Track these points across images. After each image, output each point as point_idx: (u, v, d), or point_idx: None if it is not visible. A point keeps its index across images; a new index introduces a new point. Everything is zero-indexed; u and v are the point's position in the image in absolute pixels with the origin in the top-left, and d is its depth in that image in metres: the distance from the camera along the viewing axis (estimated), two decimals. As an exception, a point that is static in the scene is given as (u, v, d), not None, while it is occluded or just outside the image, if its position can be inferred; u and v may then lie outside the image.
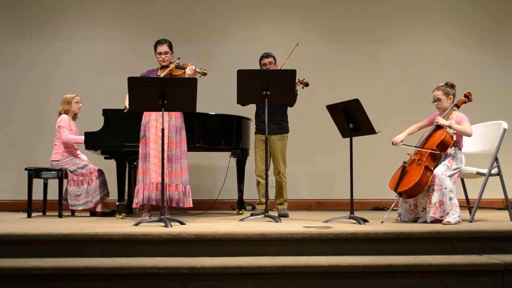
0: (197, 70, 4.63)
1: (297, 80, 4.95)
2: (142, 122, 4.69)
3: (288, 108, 5.38)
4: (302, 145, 6.63)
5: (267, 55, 5.32)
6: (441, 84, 4.60)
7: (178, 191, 4.56)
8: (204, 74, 4.66)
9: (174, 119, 4.65)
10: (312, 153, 6.78)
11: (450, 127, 4.36)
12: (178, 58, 4.76)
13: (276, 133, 5.26)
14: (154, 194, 4.49)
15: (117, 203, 4.93)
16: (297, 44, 5.14)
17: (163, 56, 4.74)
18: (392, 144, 4.57)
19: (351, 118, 4.47)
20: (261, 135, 5.33)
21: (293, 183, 6.10)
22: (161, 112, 4.23)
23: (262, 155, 5.32)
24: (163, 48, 4.74)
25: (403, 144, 4.53)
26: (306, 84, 5.18)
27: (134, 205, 4.62)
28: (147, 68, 4.92)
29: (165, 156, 4.37)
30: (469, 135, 4.39)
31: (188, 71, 4.61)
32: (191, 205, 4.65)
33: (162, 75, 4.63)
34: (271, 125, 5.06)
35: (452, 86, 4.58)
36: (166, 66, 4.73)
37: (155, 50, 4.77)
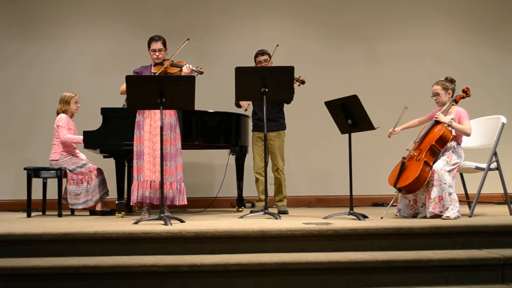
0: (194, 68, 4.57)
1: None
2: (136, 120, 4.65)
3: (285, 105, 5.38)
4: (301, 141, 6.63)
5: (262, 53, 5.30)
6: (441, 79, 4.60)
7: (173, 189, 4.54)
8: (201, 72, 4.58)
9: (168, 117, 4.59)
10: (311, 149, 6.78)
11: (449, 125, 4.36)
12: (188, 39, 4.60)
13: (273, 130, 5.25)
14: (148, 192, 4.48)
15: (116, 202, 4.94)
16: (277, 45, 5.12)
17: (157, 54, 4.66)
18: (388, 136, 4.66)
19: (349, 114, 4.47)
20: (258, 133, 5.33)
21: (292, 180, 6.09)
22: (154, 110, 4.21)
23: (259, 152, 5.32)
24: (157, 45, 4.66)
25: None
26: (303, 82, 5.19)
27: (131, 203, 4.63)
28: (145, 66, 4.90)
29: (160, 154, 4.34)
30: (467, 135, 4.39)
31: (185, 70, 4.56)
32: (186, 203, 4.63)
33: (157, 73, 4.57)
34: (268, 122, 5.04)
35: (451, 81, 4.58)
36: (161, 64, 4.65)
37: (149, 47, 4.69)
